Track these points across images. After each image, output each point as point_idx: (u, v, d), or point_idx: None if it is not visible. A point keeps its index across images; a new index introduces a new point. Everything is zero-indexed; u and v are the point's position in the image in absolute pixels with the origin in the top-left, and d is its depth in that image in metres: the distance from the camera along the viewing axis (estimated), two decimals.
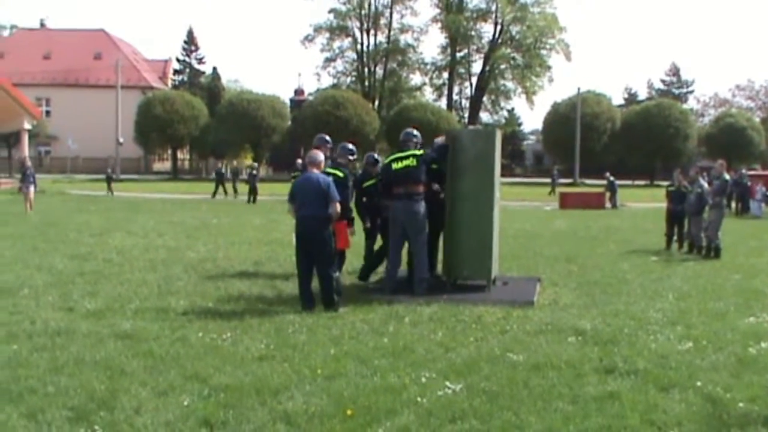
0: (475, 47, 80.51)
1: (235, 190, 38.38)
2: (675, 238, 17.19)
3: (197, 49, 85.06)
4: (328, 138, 11.82)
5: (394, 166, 10.57)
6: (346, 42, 78.47)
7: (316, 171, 9.52)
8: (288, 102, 72.27)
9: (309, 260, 9.37)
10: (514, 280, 11.83)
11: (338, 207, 9.35)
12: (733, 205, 31.64)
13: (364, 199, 11.89)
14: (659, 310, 9.74)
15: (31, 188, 24.71)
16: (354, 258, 12.44)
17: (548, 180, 50.26)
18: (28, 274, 11.69)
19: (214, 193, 37.49)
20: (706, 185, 16.52)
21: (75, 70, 73.43)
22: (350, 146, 11.38)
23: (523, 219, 26.25)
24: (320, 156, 9.81)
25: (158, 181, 56.57)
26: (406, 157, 10.54)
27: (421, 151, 10.68)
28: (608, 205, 35.27)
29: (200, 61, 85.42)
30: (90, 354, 7.02)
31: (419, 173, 10.39)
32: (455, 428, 5.37)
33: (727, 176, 16.81)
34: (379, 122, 66.80)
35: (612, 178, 36.48)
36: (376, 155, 12.78)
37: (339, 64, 79.74)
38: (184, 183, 55.91)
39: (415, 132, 11.13)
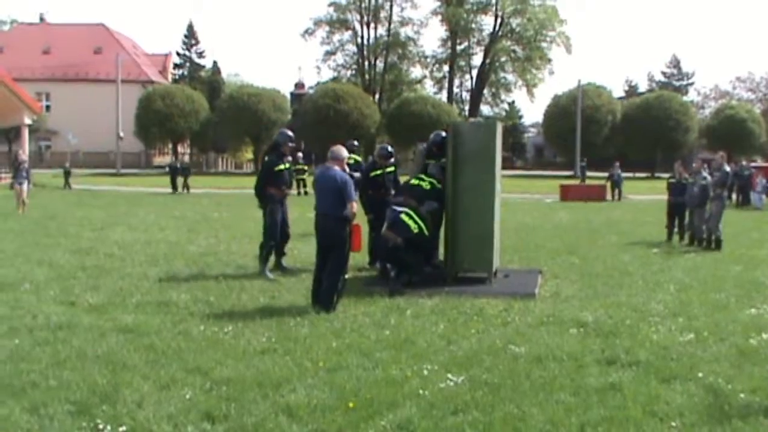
0: (475, 40, 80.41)
1: (187, 187, 36.93)
2: (676, 230, 17.20)
3: (197, 43, 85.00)
4: (291, 134, 12.01)
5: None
6: (347, 35, 78.43)
7: (337, 167, 9.20)
8: (288, 96, 72.20)
9: (325, 256, 9.18)
10: (515, 273, 11.83)
11: (354, 207, 9.03)
12: (734, 196, 31.62)
13: (370, 191, 11.88)
14: (660, 301, 9.75)
15: (25, 185, 22.84)
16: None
17: (553, 173, 50.18)
18: (30, 268, 11.69)
19: (174, 189, 36.61)
20: (710, 177, 16.49)
21: (75, 64, 73.33)
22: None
23: (524, 211, 26.24)
24: (343, 152, 9.48)
25: (159, 176, 56.46)
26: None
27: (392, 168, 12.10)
28: (608, 197, 35.13)
29: (200, 55, 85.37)
30: (92, 348, 7.03)
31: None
32: (457, 420, 5.38)
33: (727, 168, 16.79)
34: (380, 115, 66.74)
35: (618, 170, 36.32)
36: (389, 147, 12.71)
37: (339, 58, 79.76)
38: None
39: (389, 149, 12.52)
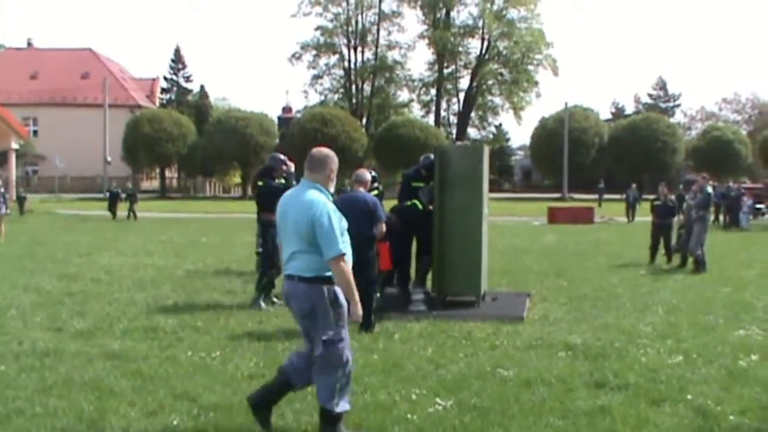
0: (462, 63, 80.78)
1: (133, 213, 34.89)
2: (663, 252, 17.22)
3: (185, 67, 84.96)
4: (283, 157, 11.57)
5: None
6: (333, 59, 78.70)
7: (362, 190, 9.38)
8: (276, 119, 72.28)
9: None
10: (503, 296, 11.82)
11: (383, 227, 9.19)
12: (721, 218, 31.77)
13: None
14: (649, 323, 9.76)
15: (3, 210, 22.39)
16: None
17: (541, 195, 50.38)
18: (16, 294, 11.61)
19: (114, 214, 35.37)
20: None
21: (62, 89, 73.22)
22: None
23: (512, 234, 26.27)
24: (367, 175, 9.71)
25: (146, 200, 56.32)
26: None
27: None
28: (606, 218, 35.32)
29: (188, 79, 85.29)
30: (78, 374, 6.97)
31: None
32: None
33: (709, 189, 16.88)
34: (367, 139, 66.90)
35: (635, 192, 36.78)
36: (373, 172, 12.72)
37: (326, 82, 79.96)
38: (173, 202, 55.72)
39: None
